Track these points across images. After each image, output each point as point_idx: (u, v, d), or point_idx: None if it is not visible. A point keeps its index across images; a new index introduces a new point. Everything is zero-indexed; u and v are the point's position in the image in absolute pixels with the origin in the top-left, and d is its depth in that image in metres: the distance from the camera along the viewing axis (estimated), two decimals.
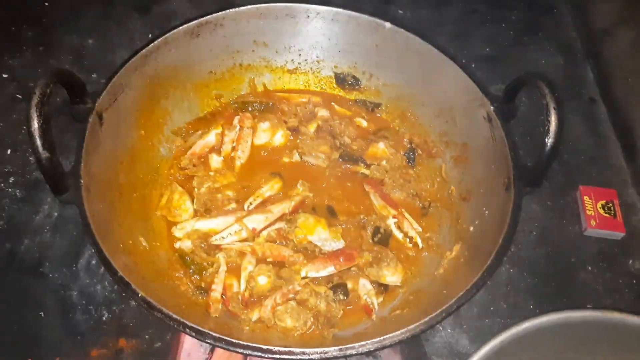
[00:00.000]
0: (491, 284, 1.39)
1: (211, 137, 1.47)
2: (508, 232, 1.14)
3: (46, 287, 1.32)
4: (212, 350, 1.25)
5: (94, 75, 1.65)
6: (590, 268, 1.45)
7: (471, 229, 1.30)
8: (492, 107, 1.29)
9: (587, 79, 1.84)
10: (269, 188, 1.39)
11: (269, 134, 1.49)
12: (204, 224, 1.31)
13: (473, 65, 1.77)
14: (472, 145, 1.39)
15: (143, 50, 1.33)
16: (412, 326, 1.03)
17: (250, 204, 1.36)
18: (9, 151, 1.52)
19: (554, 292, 1.41)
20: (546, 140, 1.10)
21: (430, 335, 1.32)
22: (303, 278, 1.25)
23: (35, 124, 0.99)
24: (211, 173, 1.41)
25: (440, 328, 1.33)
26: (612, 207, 1.50)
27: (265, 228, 1.31)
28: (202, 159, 1.44)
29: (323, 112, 1.55)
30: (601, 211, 1.50)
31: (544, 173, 1.17)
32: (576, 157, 1.64)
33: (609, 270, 1.45)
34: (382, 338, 1.02)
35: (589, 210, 1.50)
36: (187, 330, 1.00)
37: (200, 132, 1.49)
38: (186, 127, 1.49)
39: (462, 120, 1.42)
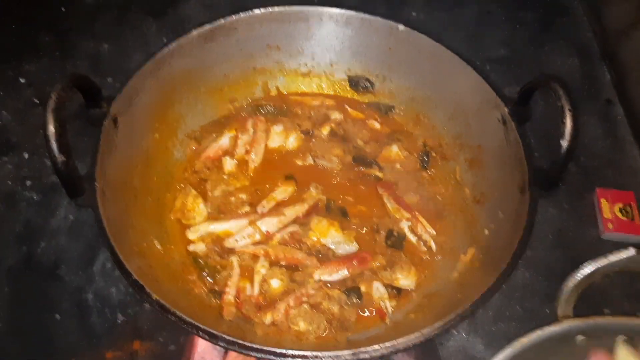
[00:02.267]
0: (506, 288, 1.37)
1: (225, 141, 1.47)
2: (524, 236, 1.12)
3: (62, 289, 1.33)
4: (225, 354, 1.25)
5: (110, 80, 1.67)
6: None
7: (486, 232, 1.29)
8: (506, 109, 1.28)
9: (603, 80, 1.81)
10: (282, 191, 1.39)
11: (283, 137, 1.49)
12: (218, 227, 1.31)
13: (487, 67, 1.76)
14: (487, 148, 1.38)
15: (157, 55, 1.34)
16: (426, 330, 1.02)
17: (264, 207, 1.36)
18: (26, 155, 1.53)
19: None
20: (562, 142, 1.08)
21: (445, 340, 1.31)
22: (316, 281, 1.24)
23: (51, 128, 0.99)
24: (225, 176, 1.42)
25: (455, 332, 1.32)
26: (629, 210, 1.48)
27: (278, 231, 1.31)
28: (216, 163, 1.45)
29: (336, 115, 1.55)
30: (619, 214, 1.48)
31: (560, 176, 1.15)
32: (593, 159, 1.62)
33: (626, 275, 1.43)
34: (395, 342, 1.01)
35: (606, 213, 1.48)
36: (201, 333, 1.00)
37: (214, 135, 1.49)
38: (200, 130, 1.50)
39: (476, 123, 1.41)
